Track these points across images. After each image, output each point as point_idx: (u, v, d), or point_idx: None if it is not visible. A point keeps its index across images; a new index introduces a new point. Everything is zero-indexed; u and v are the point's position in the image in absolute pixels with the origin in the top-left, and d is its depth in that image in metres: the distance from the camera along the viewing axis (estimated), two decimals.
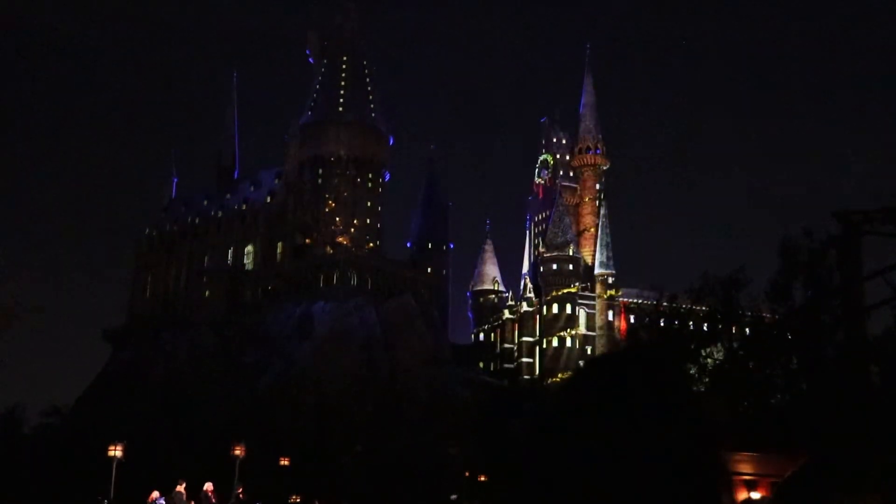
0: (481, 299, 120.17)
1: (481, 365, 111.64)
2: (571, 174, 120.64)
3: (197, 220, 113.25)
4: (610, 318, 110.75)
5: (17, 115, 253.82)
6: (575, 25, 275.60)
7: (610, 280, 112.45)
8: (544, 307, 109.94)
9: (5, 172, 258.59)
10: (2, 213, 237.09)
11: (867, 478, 24.37)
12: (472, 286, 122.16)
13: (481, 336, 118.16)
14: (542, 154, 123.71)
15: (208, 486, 30.28)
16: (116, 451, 34.59)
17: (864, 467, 24.27)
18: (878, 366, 28.61)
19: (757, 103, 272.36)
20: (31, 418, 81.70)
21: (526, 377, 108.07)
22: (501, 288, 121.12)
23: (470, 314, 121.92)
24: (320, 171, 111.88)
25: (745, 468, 23.93)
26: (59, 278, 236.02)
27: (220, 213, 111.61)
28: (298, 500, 51.45)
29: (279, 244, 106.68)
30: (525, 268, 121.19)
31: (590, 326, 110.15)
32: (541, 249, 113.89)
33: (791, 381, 31.18)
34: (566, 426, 30.84)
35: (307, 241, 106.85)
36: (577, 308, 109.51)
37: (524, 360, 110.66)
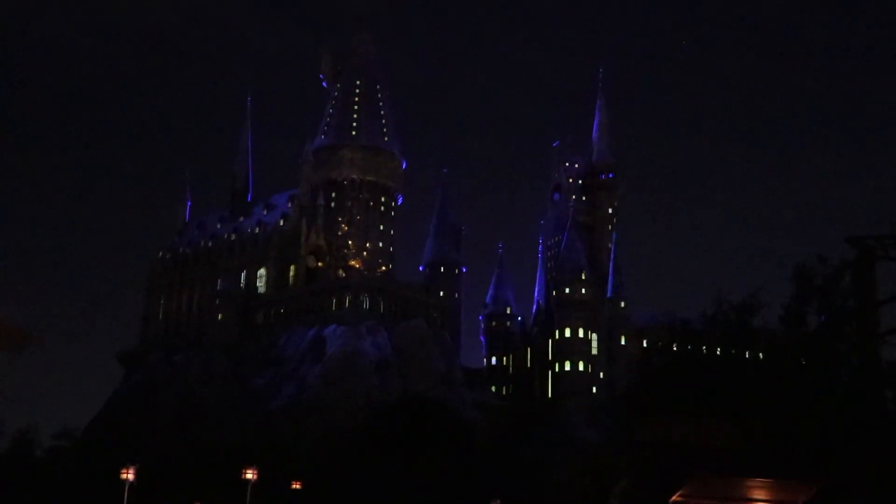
0: (494, 322, 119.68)
1: (493, 389, 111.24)
2: (584, 197, 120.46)
3: (210, 243, 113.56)
4: (623, 342, 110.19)
5: (32, 136, 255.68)
6: (588, 49, 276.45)
7: (623, 304, 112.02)
8: (557, 331, 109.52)
9: (18, 194, 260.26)
10: (15, 236, 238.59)
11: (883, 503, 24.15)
12: (485, 309, 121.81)
13: (493, 360, 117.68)
14: (555, 177, 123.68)
15: None
16: (129, 475, 34.61)
17: (879, 493, 24.08)
18: (892, 391, 28.45)
19: (772, 125, 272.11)
20: (43, 441, 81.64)
21: (538, 401, 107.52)
22: (514, 311, 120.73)
23: (482, 337, 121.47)
24: (333, 194, 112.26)
25: (760, 494, 23.75)
26: (73, 300, 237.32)
27: (233, 236, 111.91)
28: None
29: (292, 267, 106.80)
30: (538, 291, 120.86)
31: (602, 350, 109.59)
32: (553, 273, 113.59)
33: (805, 407, 31.03)
34: None
35: (319, 264, 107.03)
36: (589, 332, 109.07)
37: (536, 383, 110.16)
